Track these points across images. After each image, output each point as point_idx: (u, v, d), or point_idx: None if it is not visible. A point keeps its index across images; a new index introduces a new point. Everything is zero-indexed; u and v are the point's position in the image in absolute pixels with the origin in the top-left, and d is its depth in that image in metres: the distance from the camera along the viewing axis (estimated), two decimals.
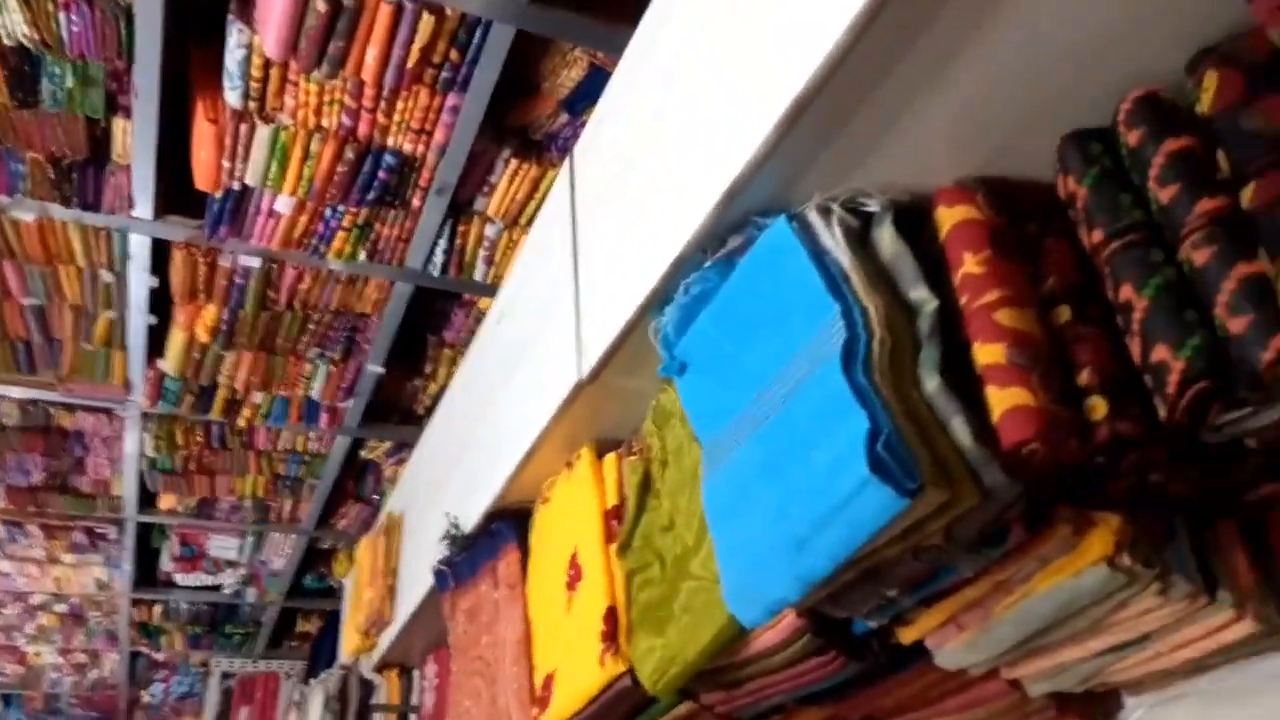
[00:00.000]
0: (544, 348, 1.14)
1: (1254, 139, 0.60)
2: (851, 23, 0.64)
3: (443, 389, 2.78)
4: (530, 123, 1.91)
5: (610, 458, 1.15)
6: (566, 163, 1.20)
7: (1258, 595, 0.78)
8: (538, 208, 2.04)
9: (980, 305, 0.71)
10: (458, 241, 2.13)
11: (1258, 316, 0.58)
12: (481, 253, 2.16)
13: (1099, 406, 0.67)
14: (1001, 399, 0.67)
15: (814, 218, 0.78)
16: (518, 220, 2.10)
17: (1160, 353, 0.64)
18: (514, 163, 1.94)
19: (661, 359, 0.91)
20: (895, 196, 0.78)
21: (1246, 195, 0.60)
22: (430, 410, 2.85)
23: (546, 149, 1.95)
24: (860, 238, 0.78)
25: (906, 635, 0.81)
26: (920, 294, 0.74)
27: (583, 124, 1.87)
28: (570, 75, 1.75)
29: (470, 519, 1.42)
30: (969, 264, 0.73)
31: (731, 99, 0.77)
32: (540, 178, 1.98)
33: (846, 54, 0.66)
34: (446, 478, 1.62)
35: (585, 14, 1.58)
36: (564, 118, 1.87)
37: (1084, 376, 0.68)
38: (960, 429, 0.68)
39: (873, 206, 0.77)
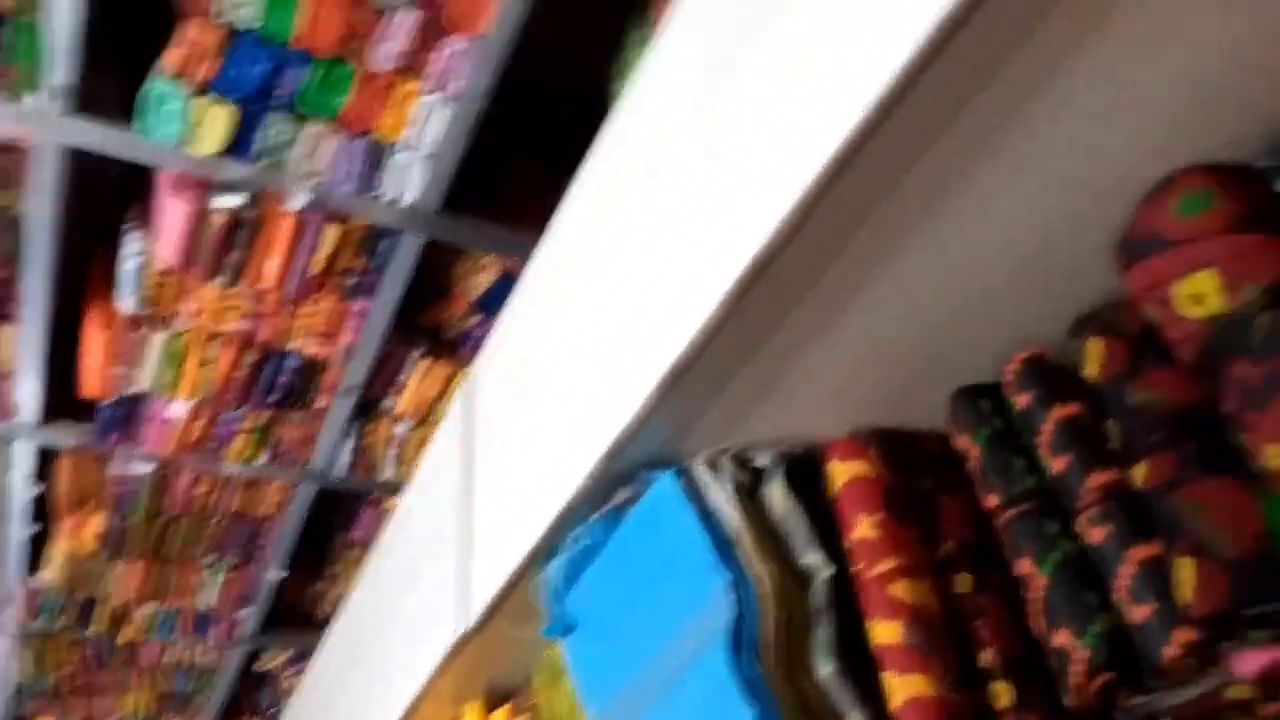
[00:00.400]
0: (428, 590, 1.06)
1: (1141, 413, 0.58)
2: (730, 289, 0.61)
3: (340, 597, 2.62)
4: (442, 323, 1.88)
5: (500, 715, 1.05)
6: (462, 392, 1.15)
7: None
8: (449, 404, 1.99)
9: (875, 576, 0.66)
10: (365, 440, 2.05)
11: (1159, 606, 0.54)
12: (390, 452, 2.09)
13: (1003, 694, 0.61)
14: (900, 687, 0.61)
15: (702, 473, 0.73)
16: (427, 418, 2.04)
17: (1062, 638, 0.59)
18: (425, 362, 1.90)
19: (547, 618, 0.84)
20: (788, 449, 0.74)
21: (1139, 475, 0.56)
22: (326, 620, 2.67)
23: (459, 346, 1.92)
24: (751, 492, 0.73)
25: None
26: (813, 560, 0.69)
27: (490, 324, 1.86)
28: (482, 279, 1.74)
29: None
30: (863, 527, 0.68)
31: (617, 352, 0.74)
32: (452, 375, 1.94)
33: (729, 314, 0.63)
34: (332, 710, 1.48)
35: (495, 223, 1.58)
36: (477, 317, 1.85)
37: (986, 657, 0.63)
38: None
39: (763, 461, 0.73)
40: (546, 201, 1.48)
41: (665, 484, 0.73)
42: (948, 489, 0.71)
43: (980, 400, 0.70)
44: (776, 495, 0.72)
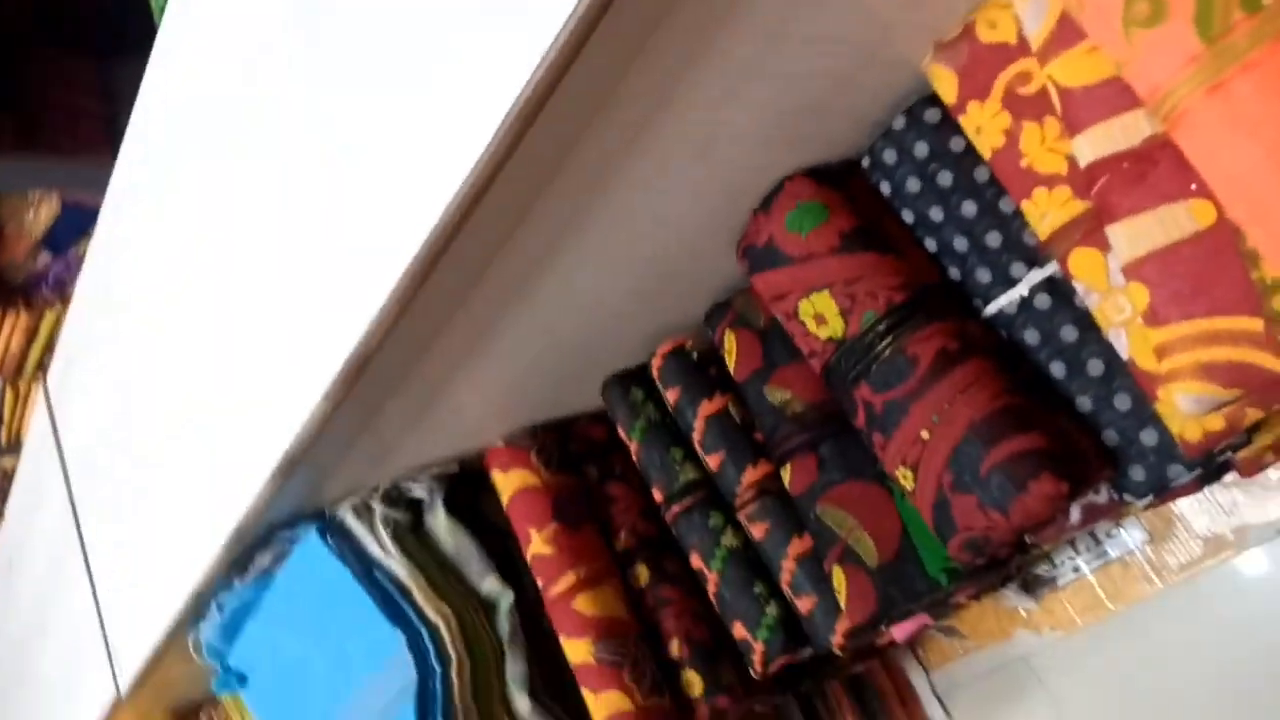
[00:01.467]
0: (71, 646, 0.91)
1: (778, 413, 0.58)
2: (375, 319, 0.51)
3: None
4: (4, 266, 1.56)
5: None
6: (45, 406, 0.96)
7: None
8: (43, 352, 1.70)
9: (557, 594, 0.64)
10: None
11: (820, 600, 0.57)
12: None
13: (694, 683, 0.63)
14: (599, 706, 0.62)
15: (352, 521, 0.66)
16: (21, 370, 1.73)
17: (740, 631, 0.61)
18: None
19: (214, 672, 0.76)
20: (443, 470, 0.69)
21: (785, 477, 0.58)
22: None
23: (35, 290, 1.61)
24: (414, 529, 0.67)
25: None
26: (492, 586, 0.66)
27: (75, 258, 1.57)
28: (41, 214, 1.44)
29: None
30: (536, 543, 0.66)
31: (236, 409, 0.62)
32: (36, 323, 1.63)
33: (367, 356, 0.53)
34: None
35: (30, 155, 1.29)
36: (46, 256, 1.54)
37: (674, 648, 0.64)
38: None
39: (420, 491, 0.67)
40: (91, 117, 1.22)
41: (311, 543, 0.65)
42: (615, 476, 0.70)
43: (633, 388, 0.68)
44: (441, 527, 0.67)
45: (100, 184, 1.30)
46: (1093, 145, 0.40)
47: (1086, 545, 0.75)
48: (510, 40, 0.38)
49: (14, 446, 1.87)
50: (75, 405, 0.91)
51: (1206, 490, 0.68)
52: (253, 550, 0.67)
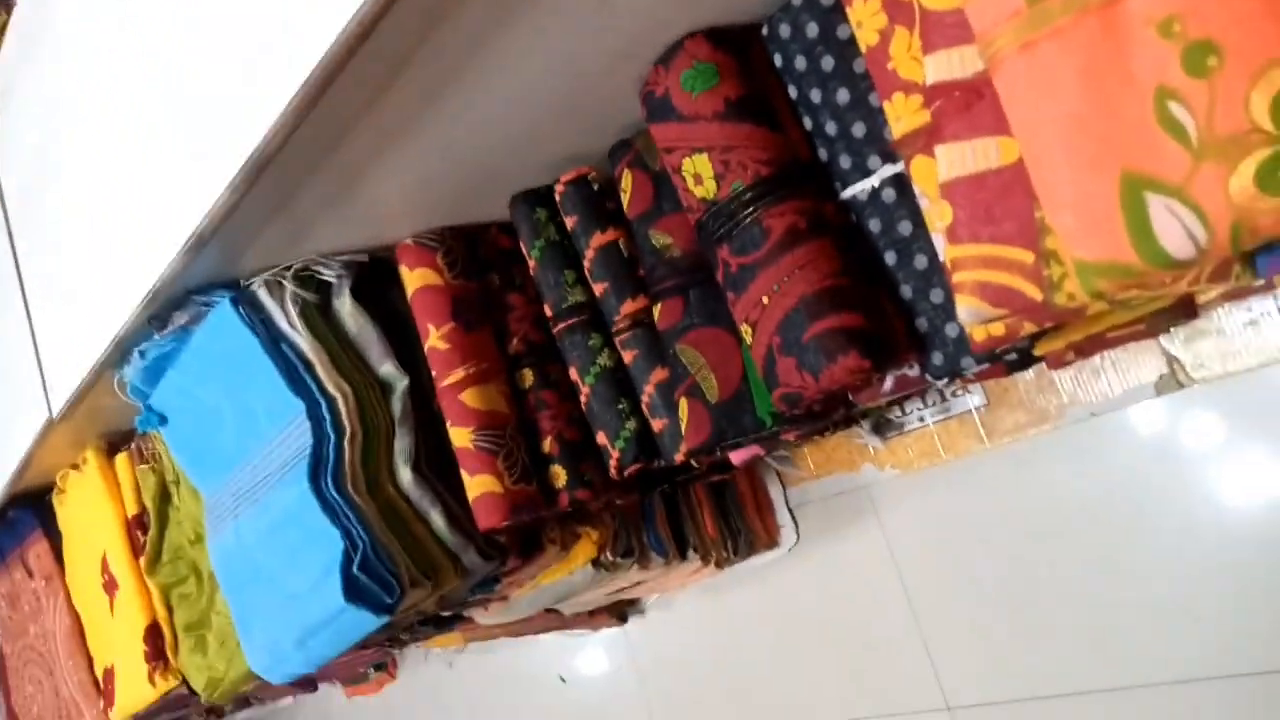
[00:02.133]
0: (7, 368, 0.98)
1: (658, 255, 0.63)
2: (293, 99, 0.53)
3: None
4: None
5: (122, 459, 1.05)
6: None
7: (719, 543, 0.92)
8: None
9: (447, 385, 0.72)
10: None
11: (669, 422, 0.65)
12: None
13: (559, 475, 0.72)
14: (472, 486, 0.70)
15: (264, 296, 0.71)
16: None
17: (602, 438, 0.70)
18: None
19: (136, 409, 0.83)
20: (354, 258, 0.73)
21: (655, 314, 0.64)
22: None
23: None
24: (322, 309, 0.73)
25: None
26: (389, 370, 0.73)
27: None
28: None
29: None
30: (433, 338, 0.72)
31: (163, 169, 0.65)
32: None
33: (290, 128, 0.56)
34: None
35: None
36: None
37: (546, 445, 0.73)
38: (438, 520, 0.71)
39: (329, 275, 0.72)
40: None
41: (224, 312, 0.70)
42: (515, 286, 0.76)
43: (537, 208, 0.72)
44: (346, 310, 0.73)
45: None
46: (935, 68, 0.43)
47: (933, 399, 0.83)
48: None
49: None
50: (13, 136, 0.93)
51: (1037, 370, 0.75)
52: (171, 308, 0.73)
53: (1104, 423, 0.74)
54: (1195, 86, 0.34)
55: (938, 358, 0.52)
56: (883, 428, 0.87)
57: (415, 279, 0.73)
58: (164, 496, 0.99)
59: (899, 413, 0.86)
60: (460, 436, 0.71)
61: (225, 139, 0.54)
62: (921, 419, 0.84)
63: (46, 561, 1.22)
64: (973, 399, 0.81)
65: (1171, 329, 0.60)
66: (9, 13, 1.24)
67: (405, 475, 0.71)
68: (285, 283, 0.71)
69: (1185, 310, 0.51)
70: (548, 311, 0.72)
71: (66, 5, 0.75)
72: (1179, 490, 0.70)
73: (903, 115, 0.48)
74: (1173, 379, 0.69)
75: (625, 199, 0.65)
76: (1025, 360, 0.55)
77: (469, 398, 0.71)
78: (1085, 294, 0.38)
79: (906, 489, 0.88)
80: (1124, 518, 0.73)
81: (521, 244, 0.73)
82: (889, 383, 0.56)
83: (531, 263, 0.72)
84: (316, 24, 0.47)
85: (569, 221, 0.69)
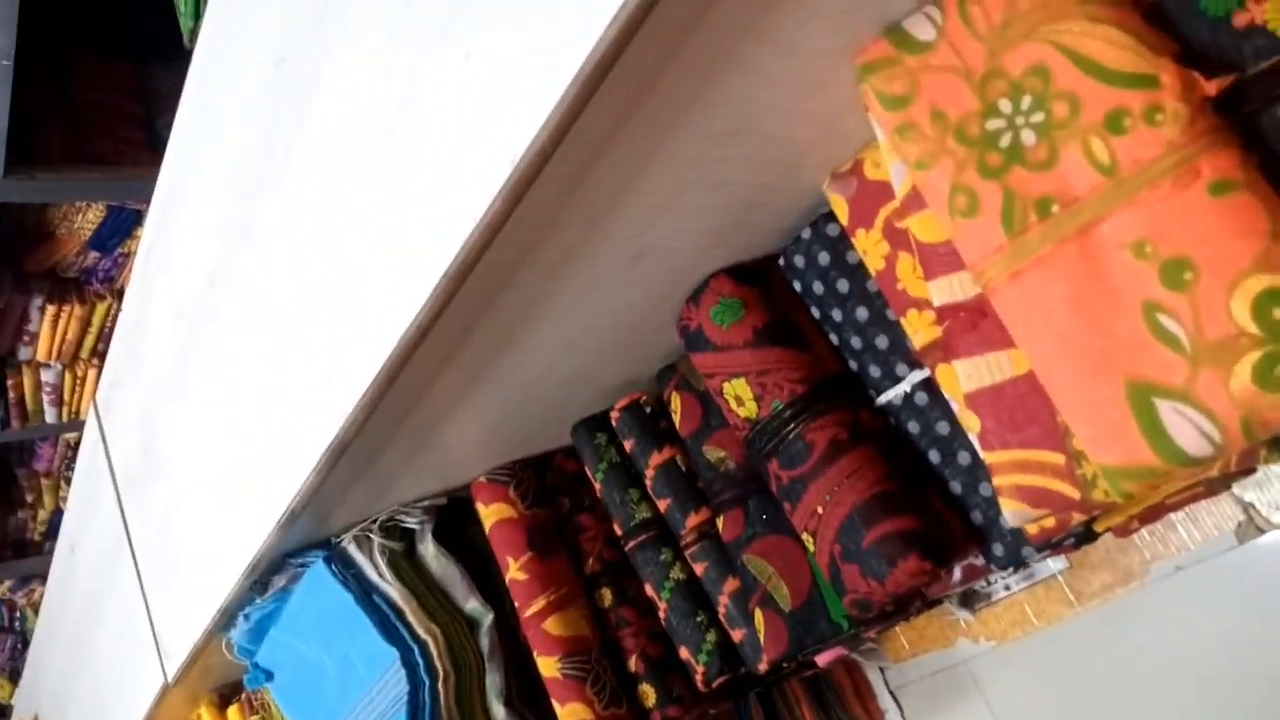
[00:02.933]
0: (124, 636, 1.04)
1: (714, 469, 0.66)
2: (377, 376, 0.58)
3: (53, 514, 2.49)
4: (57, 264, 1.67)
5: (234, 712, 1.09)
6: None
7: None
8: (96, 340, 1.83)
9: (530, 615, 0.74)
10: (11, 395, 1.85)
11: (748, 632, 0.66)
12: (45, 397, 1.90)
13: (649, 694, 0.73)
14: (564, 715, 0.71)
15: (354, 551, 0.76)
16: (78, 356, 1.86)
17: (685, 653, 0.70)
18: (51, 308, 1.70)
19: (245, 669, 0.87)
20: (433, 502, 0.78)
21: (720, 526, 0.66)
22: (44, 538, 2.55)
23: (86, 284, 1.73)
24: (408, 554, 0.77)
25: None
26: (474, 606, 0.76)
27: (122, 255, 1.68)
28: (87, 219, 1.55)
29: None
30: (513, 570, 0.75)
31: (261, 447, 0.71)
32: (89, 314, 1.76)
33: (375, 401, 0.61)
34: (71, 698, 1.45)
35: (78, 171, 1.38)
36: (94, 254, 1.65)
37: (632, 664, 0.74)
38: None
39: (412, 523, 0.77)
40: (131, 121, 1.31)
41: (318, 572, 0.75)
42: (585, 507, 0.79)
43: (597, 434, 0.76)
44: (430, 554, 0.76)
45: (143, 190, 1.40)
46: (939, 293, 0.46)
47: (1012, 570, 0.82)
48: (482, 158, 0.44)
49: (74, 423, 2.02)
50: (120, 425, 1.02)
51: None
52: (270, 573, 0.77)
53: (1190, 576, 0.72)
54: (1178, 299, 0.37)
55: (998, 549, 0.53)
56: (970, 600, 0.86)
57: (491, 514, 0.77)
58: None
59: (984, 584, 0.85)
60: (547, 666, 0.73)
61: (306, 431, 0.60)
62: (1008, 587, 0.83)
63: None
64: (1055, 564, 0.80)
65: (1235, 484, 0.60)
66: (119, 300, 1.37)
67: (499, 712, 0.72)
68: (372, 536, 0.76)
69: (1241, 470, 0.52)
70: (617, 530, 0.75)
71: (165, 295, 0.84)
72: (1274, 637, 0.67)
73: (919, 329, 0.51)
74: (1251, 525, 0.68)
75: (676, 419, 0.69)
76: (1088, 537, 0.55)
77: (552, 625, 0.73)
78: (1116, 496, 0.40)
79: (1004, 659, 0.86)
80: (1221, 667, 0.70)
81: (586, 468, 0.76)
82: (957, 574, 0.57)
83: (597, 484, 0.75)
84: (387, 315, 0.53)
85: (627, 444, 0.73)
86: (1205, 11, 0.38)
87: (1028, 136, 0.40)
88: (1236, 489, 0.68)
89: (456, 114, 0.46)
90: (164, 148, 0.80)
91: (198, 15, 1.02)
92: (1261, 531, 0.67)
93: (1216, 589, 0.70)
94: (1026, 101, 0.40)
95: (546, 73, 0.40)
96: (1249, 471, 0.52)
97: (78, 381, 1.91)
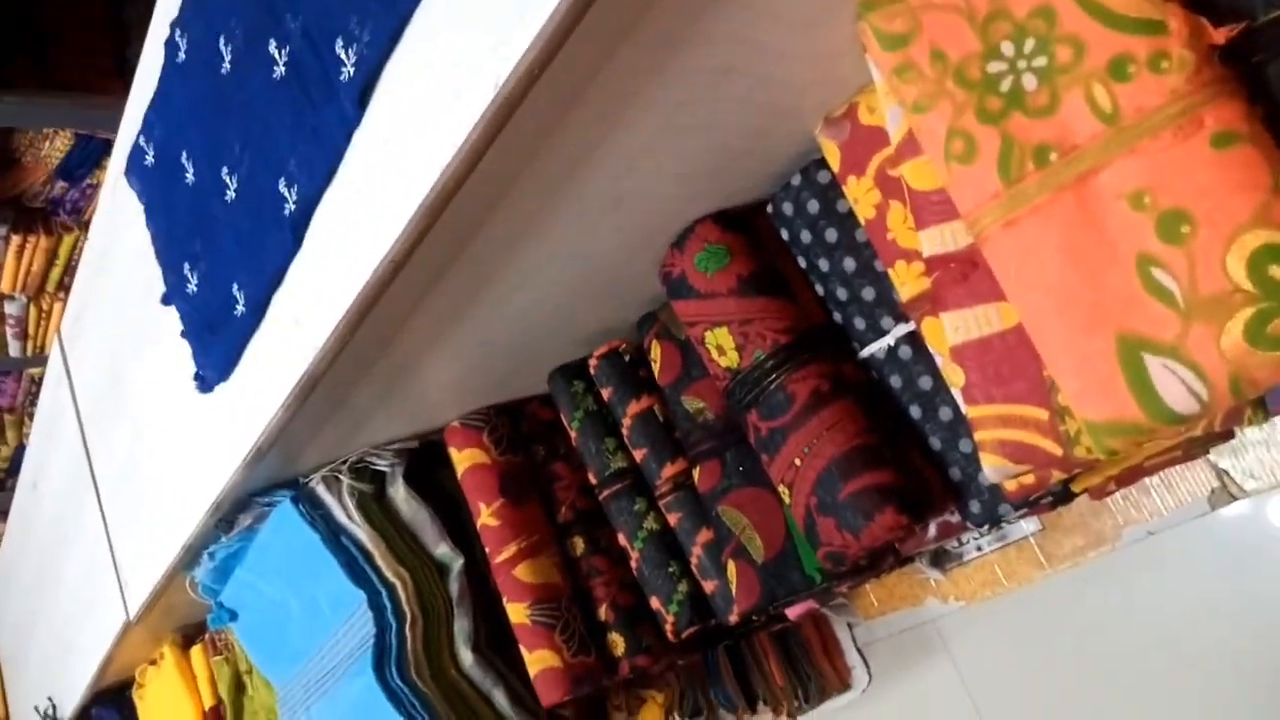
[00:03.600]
0: (87, 572, 1.02)
1: (692, 419, 0.65)
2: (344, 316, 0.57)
3: (16, 450, 2.45)
4: (23, 193, 1.63)
5: (197, 651, 1.08)
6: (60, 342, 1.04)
7: (789, 692, 0.91)
8: (63, 273, 1.79)
9: (501, 561, 0.73)
10: None
11: (720, 584, 0.66)
12: (9, 330, 1.87)
13: (618, 643, 0.72)
14: (532, 662, 0.71)
15: (322, 491, 0.74)
16: (43, 289, 1.82)
17: (655, 603, 0.70)
18: (16, 238, 1.66)
19: (209, 608, 0.86)
20: (404, 445, 0.77)
21: (696, 477, 0.65)
22: (6, 474, 2.51)
23: (53, 214, 1.69)
24: (378, 497, 0.76)
25: None
26: (444, 551, 0.75)
27: (89, 186, 1.64)
28: (56, 146, 1.50)
29: (67, 701, 1.28)
30: (484, 515, 0.74)
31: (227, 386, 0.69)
32: (55, 246, 1.72)
33: (343, 340, 0.59)
34: (32, 632, 1.43)
35: (45, 97, 1.34)
36: (62, 184, 1.61)
37: (602, 612, 0.73)
38: (501, 700, 0.71)
39: (383, 465, 0.75)
40: (102, 52, 1.26)
41: (285, 511, 0.74)
42: (560, 455, 0.78)
43: (574, 381, 0.75)
44: (400, 497, 0.75)
45: (111, 120, 1.36)
46: (929, 243, 0.45)
47: (987, 529, 0.82)
48: (465, 83, 0.43)
49: (39, 358, 1.98)
50: (85, 357, 0.99)
51: None
52: (235, 511, 0.76)
53: (1162, 540, 0.72)
54: (1173, 253, 0.36)
55: (975, 505, 0.53)
56: (941, 559, 0.86)
57: (464, 459, 0.76)
58: (238, 687, 1.01)
59: (956, 543, 0.85)
60: (517, 612, 0.72)
61: (276, 365, 0.59)
62: (979, 548, 0.83)
63: None
64: (1028, 525, 0.80)
65: (1211, 450, 0.60)
66: (86, 231, 1.33)
67: (467, 657, 0.72)
68: (342, 477, 0.75)
69: (1220, 434, 0.51)
70: (592, 479, 0.74)
71: (128, 230, 0.82)
72: (1243, 604, 0.68)
73: (907, 281, 0.50)
74: (1225, 492, 0.68)
75: (656, 368, 0.68)
76: (1065, 497, 0.55)
77: (523, 572, 0.73)
78: (1099, 452, 0.39)
79: (972, 619, 0.86)
80: (1190, 633, 0.71)
81: (562, 416, 0.75)
82: (932, 530, 0.57)
83: (573, 433, 0.74)
84: (360, 249, 0.51)
85: (605, 392, 0.72)
86: None
87: (1029, 81, 0.39)
88: (1212, 455, 0.68)
89: (442, 37, 0.44)
90: (133, 77, 0.78)
91: None
92: (1234, 498, 0.67)
93: (1188, 554, 0.70)
94: (1030, 44, 0.39)
95: (533, 5, 0.39)
96: (1227, 436, 0.52)
97: (43, 315, 1.87)
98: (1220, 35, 0.36)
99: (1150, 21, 0.36)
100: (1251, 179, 0.35)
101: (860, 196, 0.52)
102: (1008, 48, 0.39)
